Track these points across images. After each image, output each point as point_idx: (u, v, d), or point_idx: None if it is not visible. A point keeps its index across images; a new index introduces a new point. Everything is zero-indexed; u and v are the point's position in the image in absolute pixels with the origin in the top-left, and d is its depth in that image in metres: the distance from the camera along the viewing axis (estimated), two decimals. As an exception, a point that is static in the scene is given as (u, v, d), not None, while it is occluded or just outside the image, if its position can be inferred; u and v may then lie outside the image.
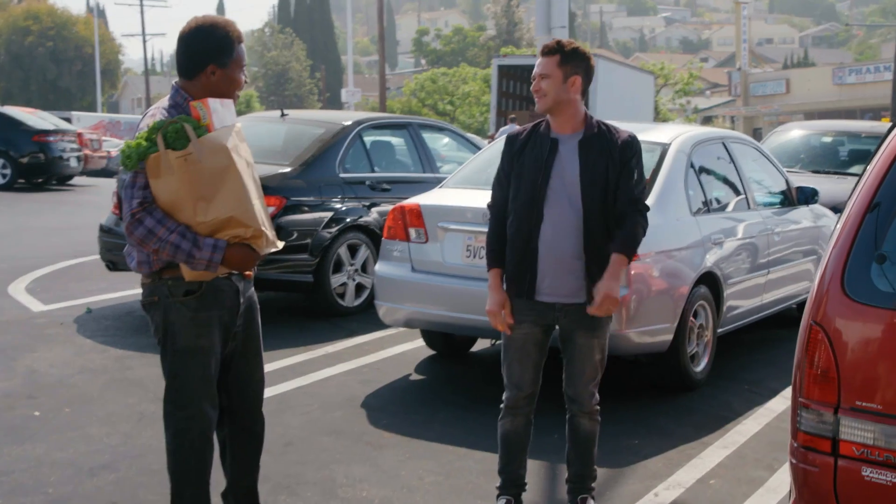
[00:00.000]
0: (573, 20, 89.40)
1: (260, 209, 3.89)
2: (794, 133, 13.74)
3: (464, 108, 49.01)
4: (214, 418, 4.00)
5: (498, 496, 4.52)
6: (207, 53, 3.85)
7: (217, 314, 3.92)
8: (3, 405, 6.16)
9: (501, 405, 4.52)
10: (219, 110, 3.83)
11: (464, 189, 7.24)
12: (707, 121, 53.69)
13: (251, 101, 67.18)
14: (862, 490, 3.21)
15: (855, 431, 3.18)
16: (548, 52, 4.32)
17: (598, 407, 4.53)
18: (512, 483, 4.50)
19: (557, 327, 4.42)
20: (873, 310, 3.17)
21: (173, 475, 3.98)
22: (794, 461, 3.33)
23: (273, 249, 3.96)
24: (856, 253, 3.24)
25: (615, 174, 4.28)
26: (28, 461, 5.22)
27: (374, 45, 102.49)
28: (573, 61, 4.30)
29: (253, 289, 4.16)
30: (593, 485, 4.54)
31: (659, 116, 40.83)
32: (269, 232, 3.91)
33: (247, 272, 4.01)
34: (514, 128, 9.52)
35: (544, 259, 4.31)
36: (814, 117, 40.89)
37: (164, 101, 3.89)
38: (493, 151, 7.63)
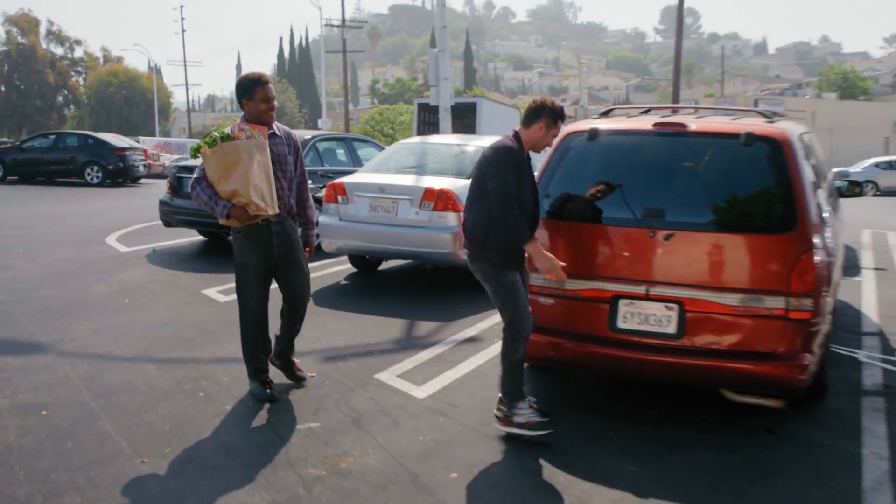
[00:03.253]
0: (475, 73, 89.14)
1: (264, 189, 4.05)
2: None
3: (400, 132, 49.33)
4: (261, 302, 4.27)
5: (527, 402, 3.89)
6: (239, 93, 4.22)
7: (255, 244, 4.21)
8: (108, 299, 6.85)
9: (518, 336, 3.77)
10: (246, 130, 4.12)
11: (369, 173, 7.59)
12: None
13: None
14: (540, 308, 4.17)
15: (534, 280, 4.17)
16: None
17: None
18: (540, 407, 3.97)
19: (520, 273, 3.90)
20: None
21: (241, 329, 4.35)
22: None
23: (264, 214, 4.12)
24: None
25: None
26: (124, 324, 5.95)
27: (342, 90, 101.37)
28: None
29: (293, 227, 4.36)
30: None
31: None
32: (262, 203, 4.07)
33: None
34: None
35: None
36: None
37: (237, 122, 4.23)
38: (385, 153, 8.08)
